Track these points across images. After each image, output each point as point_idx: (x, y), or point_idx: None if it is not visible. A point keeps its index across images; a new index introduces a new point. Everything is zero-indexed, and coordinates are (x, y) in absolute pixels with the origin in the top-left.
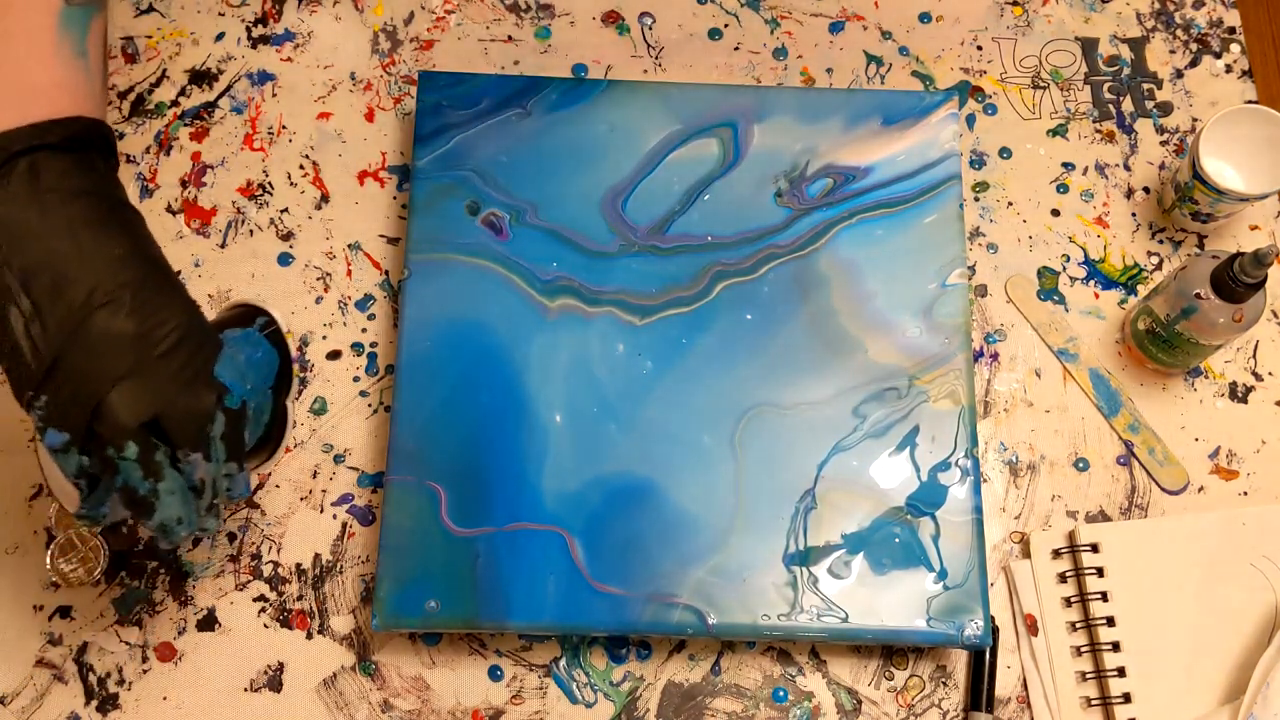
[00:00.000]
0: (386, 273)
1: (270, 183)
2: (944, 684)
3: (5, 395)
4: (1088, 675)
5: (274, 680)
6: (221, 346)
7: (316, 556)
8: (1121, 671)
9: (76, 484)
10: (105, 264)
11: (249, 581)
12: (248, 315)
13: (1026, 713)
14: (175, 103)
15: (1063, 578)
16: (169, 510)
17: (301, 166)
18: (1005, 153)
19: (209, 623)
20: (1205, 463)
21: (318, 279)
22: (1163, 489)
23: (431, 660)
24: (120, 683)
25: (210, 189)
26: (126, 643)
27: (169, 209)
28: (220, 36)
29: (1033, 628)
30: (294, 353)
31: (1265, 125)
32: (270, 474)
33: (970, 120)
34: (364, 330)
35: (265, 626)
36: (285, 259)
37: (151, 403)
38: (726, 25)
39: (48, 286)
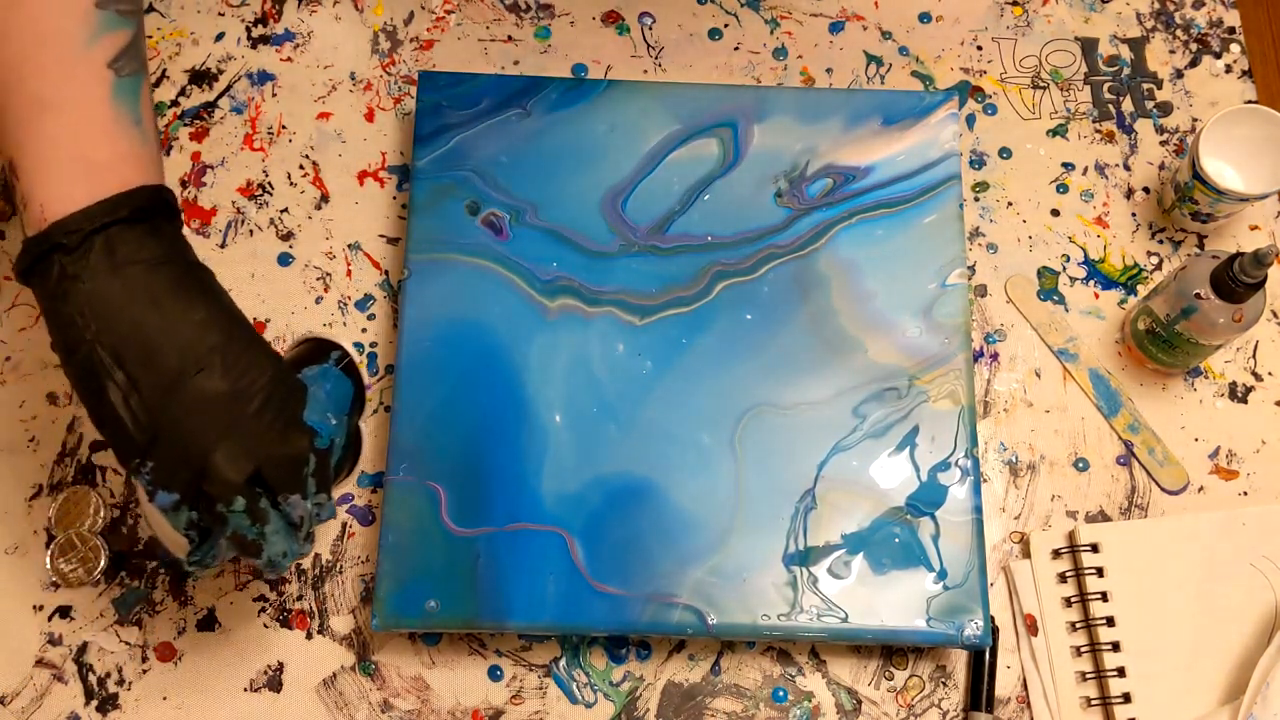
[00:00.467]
0: (386, 273)
1: (270, 183)
2: (944, 684)
3: (5, 394)
4: (1087, 675)
5: (274, 680)
6: (306, 391)
7: (316, 556)
8: (1121, 671)
9: (187, 535)
10: (191, 330)
11: (249, 581)
12: (320, 350)
13: (1026, 713)
14: (175, 103)
15: (1063, 578)
16: (275, 548)
17: (301, 166)
18: (1005, 153)
19: (209, 623)
20: (1205, 463)
21: (318, 279)
22: (1163, 489)
23: (431, 660)
24: (120, 683)
25: (210, 189)
26: (126, 643)
27: None
28: (220, 36)
29: (1033, 628)
30: (365, 377)
31: (1265, 125)
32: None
33: (970, 120)
34: (364, 330)
35: (265, 626)
36: (285, 259)
37: (253, 458)
38: (726, 25)
39: (140, 358)
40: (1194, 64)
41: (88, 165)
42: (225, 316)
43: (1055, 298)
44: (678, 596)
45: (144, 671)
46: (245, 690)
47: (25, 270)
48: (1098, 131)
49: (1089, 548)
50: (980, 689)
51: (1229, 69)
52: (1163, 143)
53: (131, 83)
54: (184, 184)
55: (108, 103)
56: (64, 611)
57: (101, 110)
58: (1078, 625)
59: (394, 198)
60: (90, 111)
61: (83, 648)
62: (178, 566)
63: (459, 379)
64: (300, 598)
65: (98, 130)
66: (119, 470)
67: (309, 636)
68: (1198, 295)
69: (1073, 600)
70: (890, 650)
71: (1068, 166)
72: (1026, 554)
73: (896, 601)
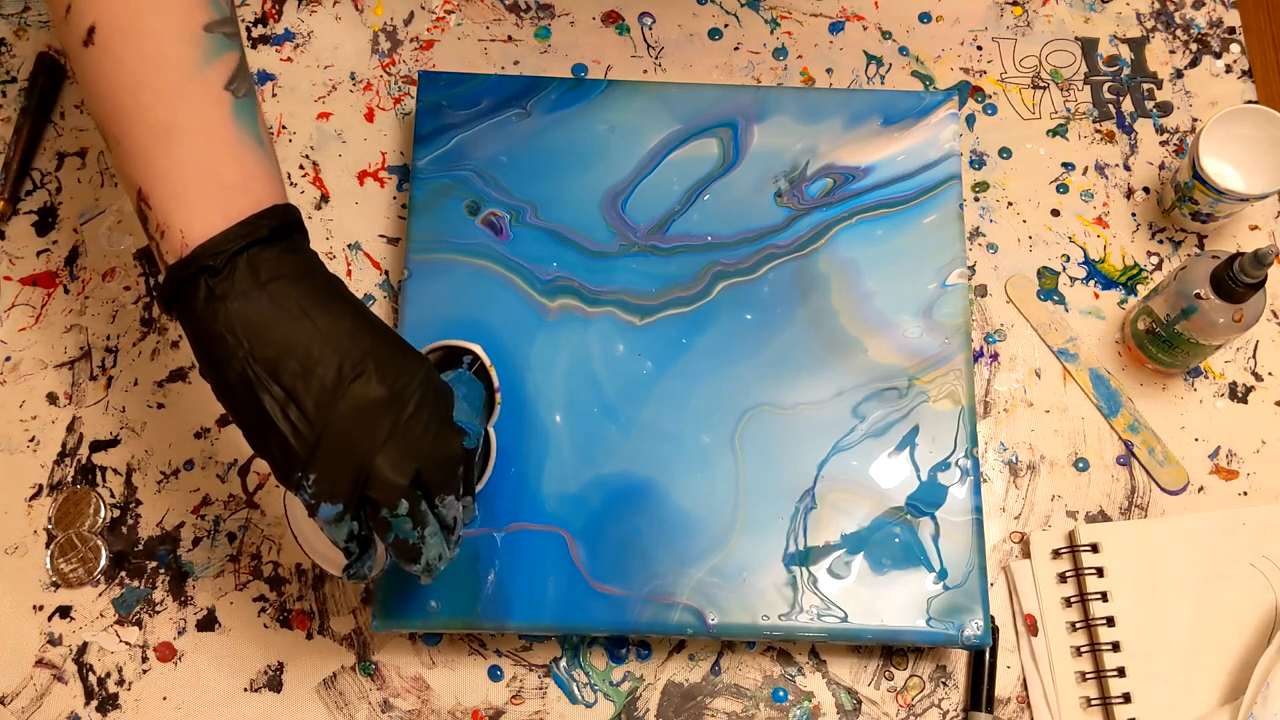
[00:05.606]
0: (386, 273)
1: None
2: (944, 684)
3: (5, 394)
4: (1087, 675)
5: (274, 680)
6: (452, 393)
7: None
8: (1121, 671)
9: (346, 547)
10: (343, 338)
11: (249, 581)
12: (453, 355)
13: (1026, 713)
14: None
15: (1063, 578)
16: (433, 550)
17: (301, 166)
18: (1005, 153)
19: (209, 623)
20: (1205, 463)
21: None
22: (1163, 489)
23: (431, 660)
24: (120, 683)
25: None
26: (126, 643)
27: None
28: None
29: (1033, 628)
30: (495, 381)
31: (1265, 125)
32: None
33: (970, 120)
34: None
35: (265, 626)
36: None
37: (414, 460)
38: (726, 25)
39: (297, 370)
40: (1194, 64)
41: (221, 187)
42: (370, 324)
43: (1055, 298)
44: (678, 596)
45: (144, 671)
46: (245, 690)
47: (170, 296)
48: (1098, 131)
49: (1089, 548)
50: (980, 689)
51: (1229, 69)
52: (1163, 143)
53: (248, 103)
54: None
55: (230, 124)
56: (64, 611)
57: (225, 132)
58: (1078, 625)
59: (394, 198)
60: (215, 134)
61: (83, 648)
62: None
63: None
64: (300, 598)
65: (225, 152)
66: (119, 470)
67: (309, 636)
68: (1198, 295)
69: (1073, 600)
70: (890, 650)
71: (1068, 166)
72: (1026, 554)
73: (896, 601)
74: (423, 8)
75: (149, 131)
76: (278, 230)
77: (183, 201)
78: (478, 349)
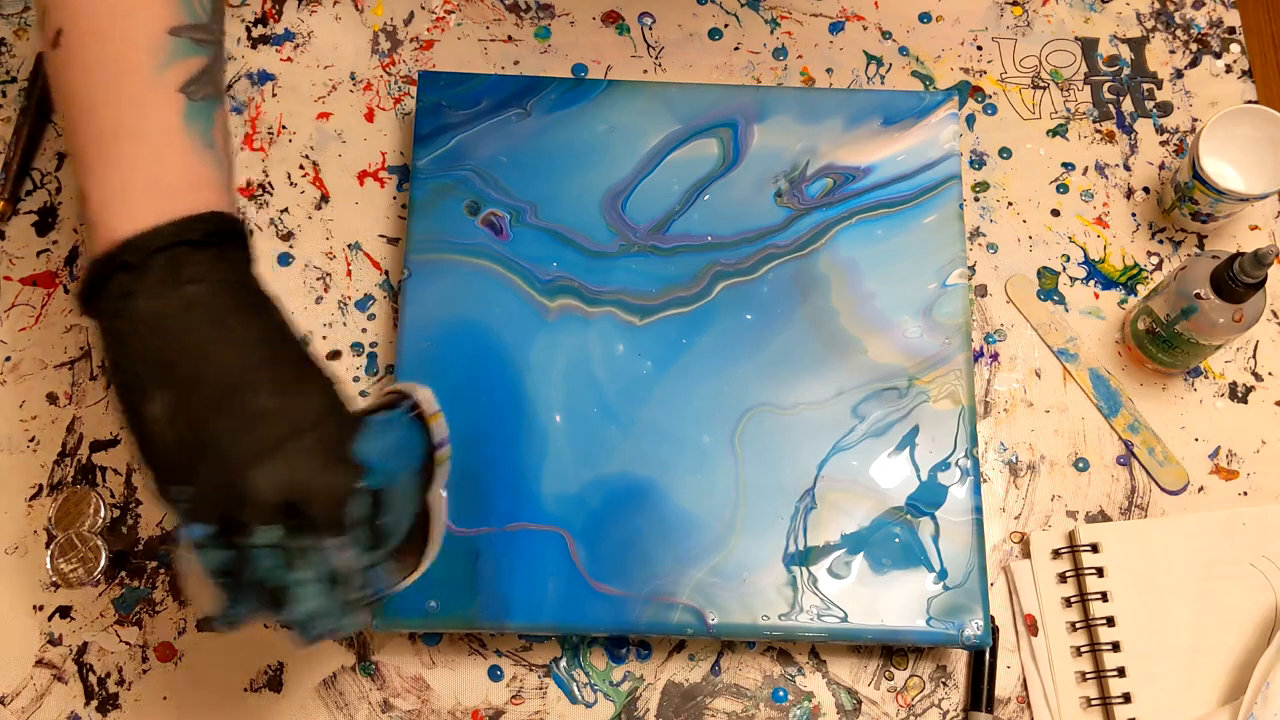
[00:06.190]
0: (386, 273)
1: (270, 183)
2: (944, 684)
3: (5, 394)
4: (1088, 675)
5: (274, 680)
6: (361, 426)
7: None
8: (1121, 671)
9: (219, 583)
10: (245, 347)
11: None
12: (394, 402)
13: (1026, 713)
14: None
15: (1063, 578)
16: (306, 603)
17: (301, 166)
18: (1005, 153)
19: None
20: (1205, 463)
21: (318, 279)
22: (1163, 489)
23: (431, 660)
24: (120, 683)
25: None
26: (126, 643)
27: None
28: None
29: (1033, 628)
30: (440, 433)
31: (1265, 125)
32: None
33: (970, 120)
34: (364, 330)
35: (265, 626)
36: (285, 259)
37: (291, 480)
38: (726, 25)
39: (190, 374)
40: (1194, 64)
41: (159, 188)
42: (281, 339)
43: (1055, 298)
44: (678, 596)
45: (144, 671)
46: (245, 690)
47: (85, 294)
48: (1098, 131)
49: (1089, 548)
50: (980, 689)
51: (1229, 69)
52: (1163, 143)
53: (205, 107)
54: None
55: (179, 127)
56: (64, 611)
57: (173, 134)
58: (1078, 625)
59: (394, 198)
60: (161, 136)
61: (83, 648)
62: (210, 626)
63: (459, 379)
64: None
65: (170, 154)
66: (119, 470)
67: None
68: (1198, 295)
69: (1073, 600)
70: (890, 650)
71: (1068, 166)
72: (1026, 554)
73: (896, 601)
74: (423, 8)
75: (97, 133)
76: (211, 236)
77: (116, 201)
78: (422, 395)
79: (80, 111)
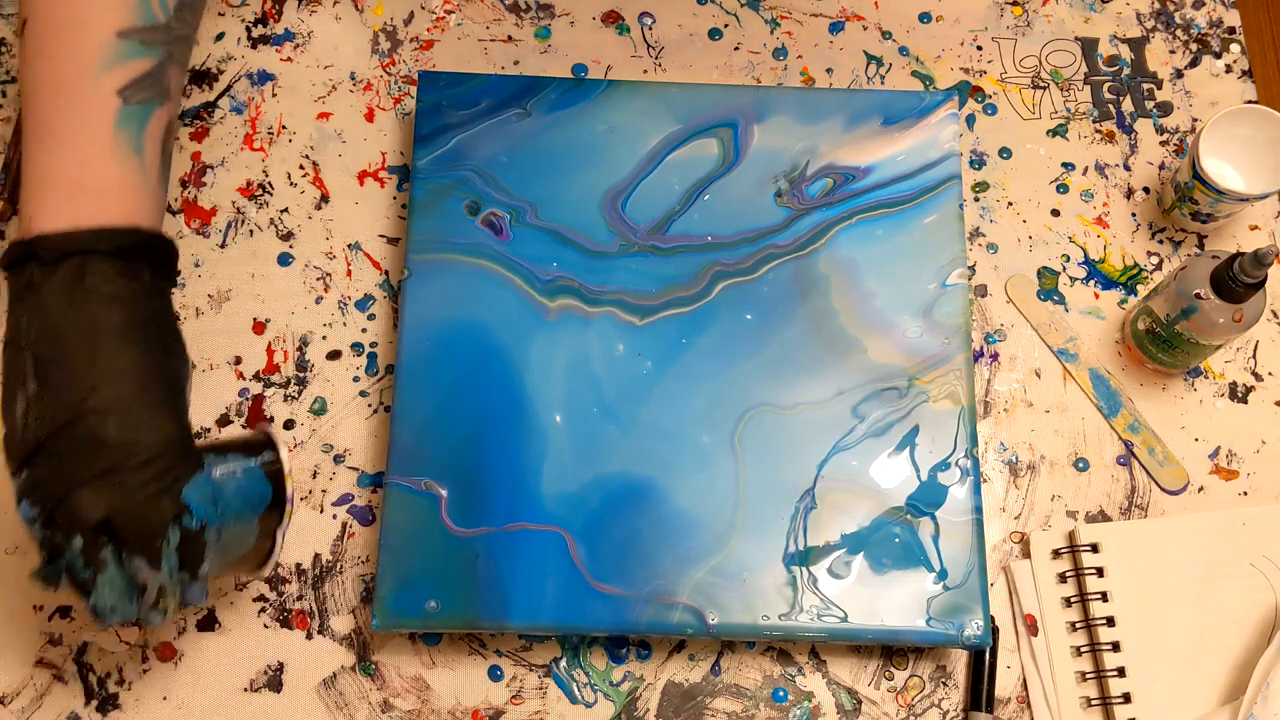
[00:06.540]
0: (386, 273)
1: (270, 183)
2: (944, 684)
3: None
4: (1088, 675)
5: (274, 680)
6: (199, 469)
7: (316, 556)
8: (1121, 671)
9: (41, 549)
10: (111, 373)
11: (249, 582)
12: (259, 445)
13: (1026, 713)
14: None
15: (1063, 578)
16: (104, 598)
17: (301, 166)
18: (1005, 153)
19: (209, 623)
20: (1205, 463)
21: (318, 279)
22: (1163, 489)
23: (431, 660)
24: (120, 683)
25: (210, 189)
26: (126, 643)
27: (169, 209)
28: (220, 36)
29: (1033, 628)
30: (290, 492)
31: (1265, 125)
32: (248, 582)
33: (970, 120)
34: (364, 330)
35: (265, 626)
36: (285, 259)
37: (109, 508)
38: (726, 25)
39: (55, 381)
40: (1194, 64)
41: (76, 189)
42: (150, 374)
43: (1055, 298)
44: (678, 596)
45: (144, 671)
46: (245, 690)
47: (6, 265)
48: (1098, 131)
49: (1089, 548)
50: (980, 689)
51: (1229, 69)
52: (1163, 143)
53: (139, 111)
54: (184, 184)
55: (108, 130)
56: (64, 611)
57: (102, 138)
58: (1078, 625)
59: (394, 198)
60: (90, 138)
61: (83, 648)
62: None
63: (459, 379)
64: (300, 598)
65: (95, 156)
66: None
67: (309, 636)
68: (1198, 295)
69: (1073, 600)
70: (890, 650)
71: (1068, 166)
72: (1026, 554)
73: (896, 601)
74: (423, 8)
75: (37, 125)
76: (123, 251)
77: (41, 194)
78: (279, 453)
79: (27, 101)
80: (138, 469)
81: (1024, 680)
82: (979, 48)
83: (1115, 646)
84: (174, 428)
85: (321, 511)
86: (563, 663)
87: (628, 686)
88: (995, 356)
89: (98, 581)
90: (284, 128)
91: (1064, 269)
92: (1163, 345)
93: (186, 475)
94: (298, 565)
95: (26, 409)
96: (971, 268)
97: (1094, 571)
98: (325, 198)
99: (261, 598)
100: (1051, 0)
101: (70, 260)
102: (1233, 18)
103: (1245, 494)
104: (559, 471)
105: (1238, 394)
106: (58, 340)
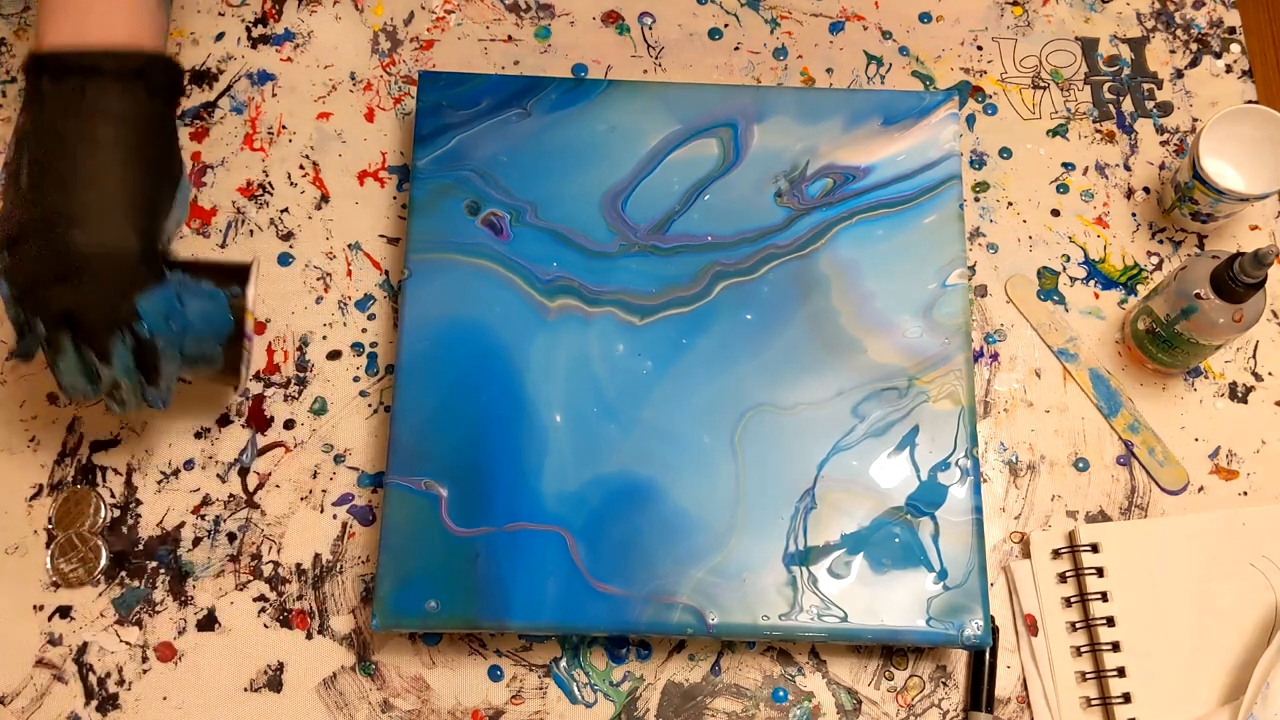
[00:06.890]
0: (386, 273)
1: (270, 183)
2: (944, 684)
3: (5, 394)
4: (1088, 675)
5: (274, 680)
6: (160, 282)
7: (316, 556)
8: (1121, 671)
9: (13, 325)
10: (91, 183)
11: (249, 581)
12: (238, 275)
13: (1026, 713)
14: None
15: (1063, 578)
16: (65, 376)
17: (301, 166)
18: (1005, 153)
19: (209, 623)
20: (1205, 463)
21: (318, 279)
22: (1163, 489)
23: (431, 660)
24: (120, 683)
25: (210, 189)
26: (126, 643)
27: None
28: (220, 36)
29: (1033, 628)
30: (249, 328)
31: (1265, 125)
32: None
33: (970, 120)
34: (364, 330)
35: (265, 626)
36: (285, 259)
37: (69, 303)
38: (726, 25)
39: (41, 183)
40: (1194, 64)
41: (85, 10)
42: (131, 187)
43: (1055, 298)
44: (678, 596)
45: (144, 671)
46: (245, 690)
47: (29, 69)
48: (1098, 131)
49: (1089, 548)
50: (980, 689)
51: (1229, 69)
52: (1163, 143)
53: None
54: None
55: None
56: (64, 611)
57: None
58: (1078, 625)
59: (394, 198)
60: None
61: (83, 648)
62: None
63: (459, 379)
64: (300, 598)
65: None
66: (119, 470)
67: (309, 636)
68: (1198, 295)
69: (1073, 600)
70: (890, 650)
71: (1068, 166)
72: (1026, 554)
73: (896, 601)
74: (423, 8)
75: None
76: (129, 73)
77: (52, 11)
78: (249, 290)
79: None
80: (96, 275)
81: (1024, 680)
82: (979, 48)
83: (1115, 646)
84: (140, 241)
85: (322, 511)
86: (563, 663)
87: (628, 686)
88: (995, 356)
89: (58, 362)
90: (284, 128)
91: (1064, 269)
92: (1163, 345)
93: (144, 286)
94: (298, 565)
95: (16, 199)
96: (971, 268)
97: (1094, 571)
98: (325, 198)
99: (262, 598)
100: (1052, 0)
101: (74, 75)
102: (1233, 18)
103: (1245, 494)
104: (559, 471)
105: (1238, 394)
106: (52, 146)
